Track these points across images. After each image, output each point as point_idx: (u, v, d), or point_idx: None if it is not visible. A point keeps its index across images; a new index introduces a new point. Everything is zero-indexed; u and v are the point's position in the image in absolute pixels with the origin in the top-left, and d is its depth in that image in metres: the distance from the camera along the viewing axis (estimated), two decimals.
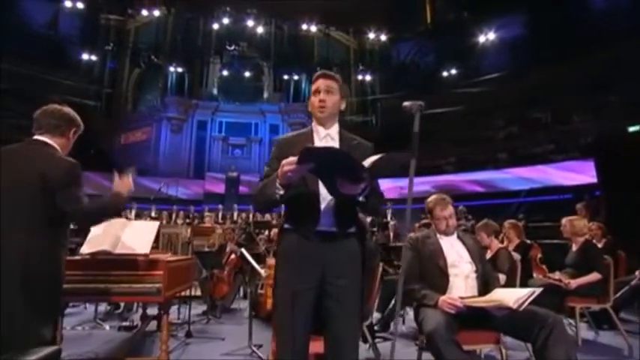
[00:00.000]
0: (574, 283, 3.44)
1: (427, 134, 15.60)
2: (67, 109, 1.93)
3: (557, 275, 3.71)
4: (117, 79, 15.45)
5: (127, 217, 9.46)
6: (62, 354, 2.82)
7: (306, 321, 1.49)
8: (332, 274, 1.50)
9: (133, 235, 2.60)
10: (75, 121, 1.94)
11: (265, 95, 16.67)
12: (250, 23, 14.53)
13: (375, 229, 10.11)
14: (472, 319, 2.07)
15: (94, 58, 14.44)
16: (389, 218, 10.72)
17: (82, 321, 4.12)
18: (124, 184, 1.98)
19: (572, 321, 3.64)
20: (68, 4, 12.89)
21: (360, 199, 1.46)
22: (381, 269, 2.89)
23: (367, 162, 1.36)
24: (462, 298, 2.10)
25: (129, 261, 2.43)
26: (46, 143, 1.80)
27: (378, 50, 17.23)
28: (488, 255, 3.37)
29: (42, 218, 1.71)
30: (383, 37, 15.82)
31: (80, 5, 13.06)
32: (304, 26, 14.93)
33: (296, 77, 16.16)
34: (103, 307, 4.49)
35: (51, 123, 1.83)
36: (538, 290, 1.96)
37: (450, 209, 2.42)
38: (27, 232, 1.67)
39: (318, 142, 1.63)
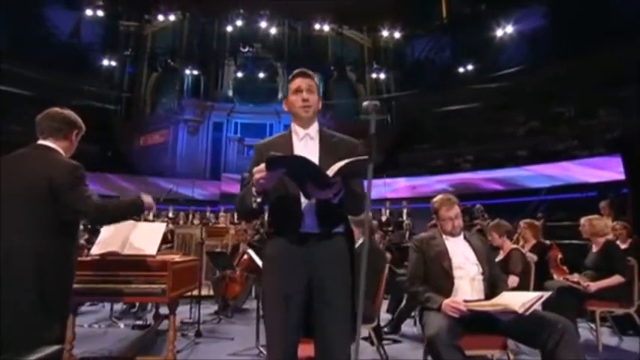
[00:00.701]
0: (594, 286, 3.28)
1: (443, 132, 15.34)
2: (68, 112, 1.95)
3: (575, 277, 3.56)
4: (135, 83, 15.91)
5: (145, 218, 9.74)
6: (78, 350, 2.93)
7: (297, 325, 1.48)
8: (319, 276, 1.48)
9: (140, 237, 2.65)
10: (76, 124, 1.96)
11: (280, 96, 16.75)
12: (263, 24, 14.66)
13: (390, 227, 10.05)
14: (477, 323, 2.00)
15: (113, 63, 14.92)
16: (404, 217, 10.61)
17: (98, 319, 4.25)
18: (149, 202, 2.03)
19: (593, 325, 3.49)
20: (89, 12, 13.36)
21: (335, 201, 1.44)
22: (387, 270, 2.84)
23: (331, 170, 1.34)
24: (466, 301, 2.04)
25: (136, 262, 2.48)
26: (49, 147, 1.84)
27: (393, 48, 17.04)
28: (500, 256, 3.28)
29: (51, 221, 1.75)
30: (397, 35, 15.62)
31: (100, 13, 13.52)
32: (317, 26, 14.93)
33: None
34: (119, 306, 4.61)
35: (52, 127, 1.87)
36: (546, 294, 1.88)
37: (456, 210, 2.35)
38: (37, 235, 1.72)
39: (297, 143, 1.61)
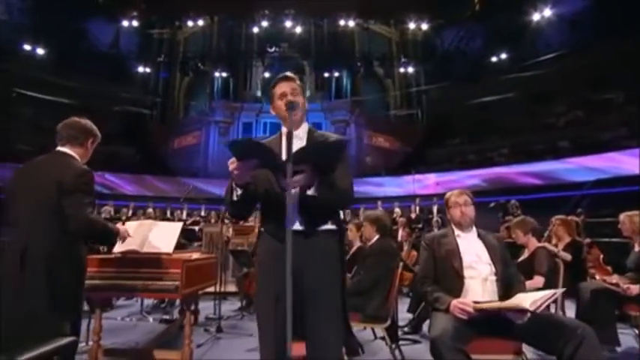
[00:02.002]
0: (635, 289, 3.01)
1: (476, 125, 14.72)
2: (85, 121, 2.08)
3: (614, 279, 3.28)
4: (169, 88, 16.64)
5: (179, 217, 10.15)
6: (108, 341, 3.11)
7: (292, 324, 1.47)
8: (307, 276, 1.46)
9: (158, 236, 2.75)
10: (92, 132, 2.09)
11: (307, 94, 16.85)
12: (289, 24, 14.78)
13: (420, 225, 9.80)
14: (490, 326, 1.89)
15: (148, 70, 15.69)
16: (434, 214, 10.30)
17: (130, 313, 4.49)
18: (124, 231, 2.27)
19: (637, 331, 3.22)
20: (125, 23, 14.15)
21: (310, 192, 1.42)
22: (400, 269, 2.77)
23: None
24: (477, 302, 1.93)
25: (153, 259, 2.58)
26: (66, 153, 1.98)
27: (421, 40, 16.59)
28: (525, 254, 3.09)
29: (68, 221, 1.87)
30: (424, 26, 15.13)
31: (135, 23, 14.27)
32: (342, 22, 14.81)
33: (337, 74, 16.13)
34: (150, 301, 4.85)
35: (70, 134, 2.00)
36: (559, 292, 1.75)
37: (466, 198, 2.27)
38: (50, 235, 1.84)
39: (286, 144, 1.60)
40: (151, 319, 4.23)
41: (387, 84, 17.45)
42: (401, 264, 2.80)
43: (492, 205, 8.59)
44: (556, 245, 3.92)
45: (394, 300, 2.73)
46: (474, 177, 12.15)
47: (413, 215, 10.14)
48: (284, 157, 1.56)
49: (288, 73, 1.67)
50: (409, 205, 10.50)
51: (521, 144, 12.87)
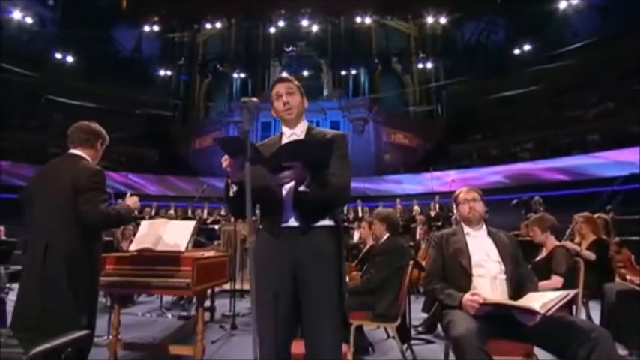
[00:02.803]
0: None
1: (498, 120, 14.29)
2: (94, 125, 2.19)
3: None
4: (189, 90, 17.03)
5: (199, 217, 10.39)
6: (128, 336, 3.23)
7: (287, 322, 1.47)
8: (303, 273, 1.46)
9: (171, 235, 2.84)
10: (100, 134, 2.19)
11: (325, 92, 16.83)
12: (305, 23, 14.79)
13: (439, 223, 9.62)
14: (502, 327, 1.84)
15: (169, 73, 16.14)
16: (454, 211, 10.09)
17: (150, 309, 4.65)
18: (133, 201, 2.25)
19: None
20: (147, 28, 14.62)
21: (301, 189, 1.42)
22: (414, 268, 2.73)
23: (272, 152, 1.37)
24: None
25: (166, 257, 2.66)
26: (77, 155, 2.08)
27: (441, 34, 16.22)
28: (543, 253, 2.98)
29: (79, 220, 1.96)
30: (443, 20, 14.76)
31: (156, 28, 14.72)
32: (359, 19, 14.67)
33: (354, 72, 16.02)
34: (169, 297, 5.00)
35: (81, 137, 2.11)
36: (572, 293, 1.68)
37: (475, 195, 2.23)
38: (67, 233, 1.94)
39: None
40: (169, 315, 4.36)
41: (405, 80, 17.20)
42: (411, 262, 2.76)
43: (515, 202, 8.32)
44: (579, 244, 3.76)
45: (404, 299, 2.70)
46: (496, 173, 11.81)
47: (432, 213, 9.96)
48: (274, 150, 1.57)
49: (284, 74, 1.72)
50: (429, 203, 10.31)
51: (546, 138, 12.40)
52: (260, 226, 1.60)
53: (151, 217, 9.69)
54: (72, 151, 2.09)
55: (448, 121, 16.04)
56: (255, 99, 1.50)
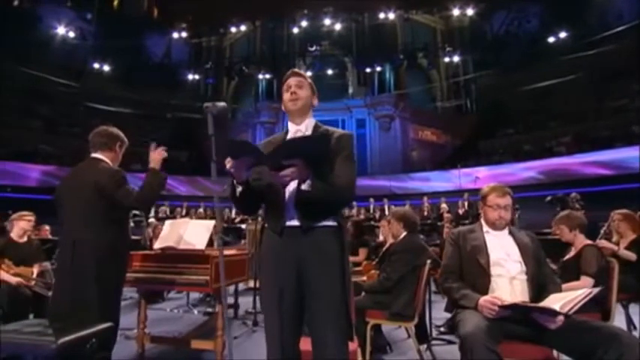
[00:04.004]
0: None
1: (532, 113, 13.62)
2: (112, 129, 2.32)
3: None
4: (217, 92, 17.51)
5: (228, 216, 10.65)
6: (155, 330, 3.39)
7: (293, 320, 1.49)
8: (307, 272, 1.47)
9: (192, 233, 2.94)
10: (118, 137, 2.31)
11: (350, 91, 16.76)
12: (328, 22, 14.79)
13: (468, 221, 9.33)
14: (520, 329, 1.77)
15: (197, 77, 16.68)
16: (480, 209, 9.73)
17: (179, 305, 4.84)
18: (156, 155, 2.28)
19: None
20: (175, 35, 15.20)
21: (303, 187, 1.42)
22: (428, 267, 2.68)
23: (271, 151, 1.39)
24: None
25: (187, 255, 2.77)
26: (98, 159, 2.21)
27: (468, 26, 15.69)
28: (572, 253, 2.82)
29: (104, 219, 2.10)
30: (470, 12, 14.22)
31: (184, 34, 15.28)
32: (382, 15, 14.46)
33: (379, 69, 15.83)
34: (196, 294, 5.17)
35: (101, 141, 2.24)
36: (595, 290, 1.59)
37: (509, 200, 2.07)
38: (92, 232, 2.07)
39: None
40: (195, 312, 4.52)
41: (432, 75, 16.79)
42: (429, 261, 2.70)
43: (549, 198, 7.90)
44: (617, 243, 3.53)
45: (421, 298, 2.65)
46: (530, 169, 11.27)
47: (460, 211, 9.68)
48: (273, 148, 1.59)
49: (295, 70, 1.71)
50: (457, 201, 10.02)
51: (585, 131, 11.67)
52: (265, 225, 1.63)
53: (182, 217, 10.06)
54: (93, 154, 2.23)
55: (477, 116, 15.49)
56: (220, 103, 1.54)
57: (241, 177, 1.47)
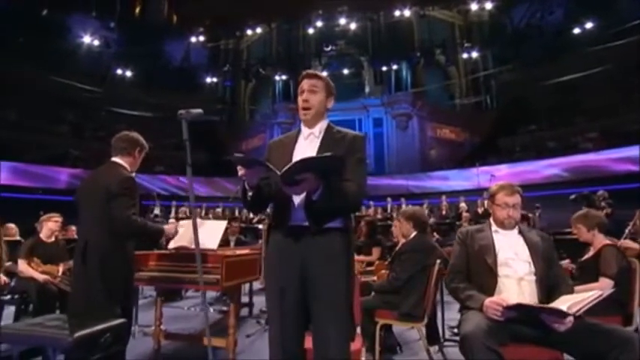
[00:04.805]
0: None
1: (555, 108, 13.13)
2: (133, 134, 2.39)
3: None
4: (235, 94, 17.81)
5: (246, 216, 10.81)
6: (172, 327, 3.50)
7: (295, 321, 1.50)
8: (312, 273, 1.48)
9: (206, 233, 3.02)
10: (137, 142, 2.38)
11: (367, 90, 16.65)
12: (343, 21, 14.75)
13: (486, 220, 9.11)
14: (527, 330, 1.73)
15: (215, 79, 17.02)
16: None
17: (195, 304, 4.96)
18: (171, 227, 2.48)
19: None
20: (193, 39, 15.57)
21: (314, 198, 1.43)
22: (437, 268, 2.65)
23: (283, 170, 1.38)
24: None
25: (200, 255, 2.84)
26: (116, 163, 2.29)
27: (487, 20, 15.28)
28: (590, 253, 2.72)
29: (110, 222, 2.17)
30: (488, 5, 13.81)
31: (202, 38, 15.64)
32: (397, 12, 14.28)
33: (395, 67, 15.66)
34: (213, 293, 5.28)
35: (121, 146, 2.32)
36: (606, 292, 1.53)
37: (517, 199, 2.03)
38: (102, 233, 2.16)
39: (302, 142, 1.65)
40: (211, 310, 4.63)
41: (450, 72, 16.47)
42: (438, 261, 2.67)
43: (573, 196, 7.61)
44: None
45: (431, 298, 2.63)
46: (553, 166, 10.88)
47: (480, 210, 9.45)
48: (295, 155, 1.62)
49: (310, 71, 1.71)
50: (476, 200, 9.80)
51: (613, 125, 11.15)
52: (272, 224, 1.65)
53: (201, 217, 10.30)
54: (113, 158, 2.31)
55: (498, 113, 15.07)
56: (194, 110, 1.61)
57: (252, 183, 1.51)
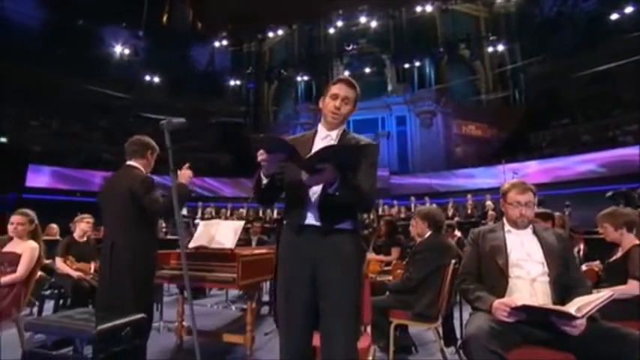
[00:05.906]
0: None
1: (590, 100, 12.44)
2: (144, 137, 2.50)
3: None
4: (258, 96, 18.14)
5: (270, 217, 10.98)
6: (197, 324, 3.62)
7: (305, 318, 1.52)
8: (321, 273, 1.50)
9: (223, 233, 3.12)
10: (149, 145, 2.50)
11: (389, 88, 16.48)
12: (363, 19, 14.65)
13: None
14: (538, 332, 1.68)
15: (238, 82, 17.43)
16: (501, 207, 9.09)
17: (218, 301, 5.11)
18: (184, 174, 2.41)
19: None
20: (217, 44, 15.99)
21: (330, 191, 1.45)
22: (452, 268, 2.60)
23: (308, 155, 1.39)
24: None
25: (217, 254, 2.94)
26: (131, 166, 2.42)
27: (514, 11, 14.71)
28: (618, 254, 2.58)
29: (136, 222, 2.30)
30: None
31: (225, 42, 16.04)
32: (419, 8, 14.02)
33: (418, 64, 15.40)
34: (235, 291, 5.42)
35: (134, 149, 2.44)
36: (617, 293, 1.46)
37: (530, 197, 1.97)
38: (127, 233, 2.28)
39: (319, 142, 1.66)
40: (233, 308, 4.76)
41: (475, 66, 16.00)
42: (453, 261, 2.63)
43: (610, 193, 7.20)
44: None
45: (446, 298, 2.59)
46: (588, 162, 10.32)
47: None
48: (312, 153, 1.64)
49: (348, 78, 1.70)
50: (499, 198, 9.46)
51: None
52: (283, 221, 1.67)
53: (226, 218, 10.55)
54: (128, 162, 2.44)
55: (527, 107, 14.50)
56: (175, 119, 1.67)
57: (270, 170, 1.52)
